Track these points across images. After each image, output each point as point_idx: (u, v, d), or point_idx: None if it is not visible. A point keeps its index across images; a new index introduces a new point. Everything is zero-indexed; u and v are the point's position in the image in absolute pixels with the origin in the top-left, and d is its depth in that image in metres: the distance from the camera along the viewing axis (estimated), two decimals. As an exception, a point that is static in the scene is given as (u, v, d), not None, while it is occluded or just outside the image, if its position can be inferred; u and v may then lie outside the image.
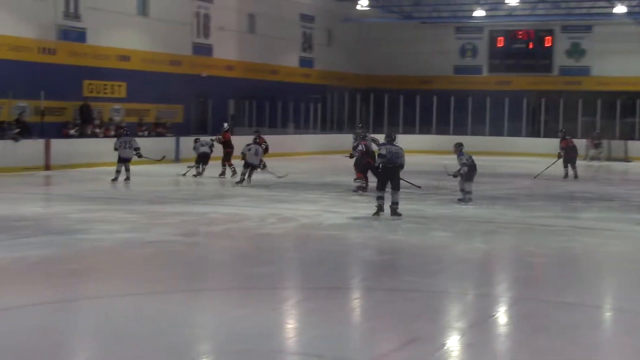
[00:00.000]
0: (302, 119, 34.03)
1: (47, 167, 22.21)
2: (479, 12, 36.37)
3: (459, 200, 16.04)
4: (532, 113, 37.81)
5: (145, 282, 8.84)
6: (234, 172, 21.00)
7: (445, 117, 36.50)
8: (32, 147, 21.98)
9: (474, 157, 16.17)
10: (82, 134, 24.51)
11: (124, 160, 19.52)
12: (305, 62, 37.20)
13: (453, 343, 6.78)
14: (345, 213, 14.46)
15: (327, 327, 7.05)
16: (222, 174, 21.30)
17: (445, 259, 10.58)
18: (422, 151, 34.76)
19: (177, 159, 25.59)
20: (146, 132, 26.64)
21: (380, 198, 13.93)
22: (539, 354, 6.43)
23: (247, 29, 33.27)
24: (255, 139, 20.53)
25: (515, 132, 35.86)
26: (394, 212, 13.72)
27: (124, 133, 20.96)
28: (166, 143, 25.89)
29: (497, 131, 35.47)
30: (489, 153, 31.27)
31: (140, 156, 19.84)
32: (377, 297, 8.38)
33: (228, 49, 31.90)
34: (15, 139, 21.77)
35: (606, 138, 32.70)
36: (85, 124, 24.87)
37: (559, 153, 22.68)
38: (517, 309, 7.97)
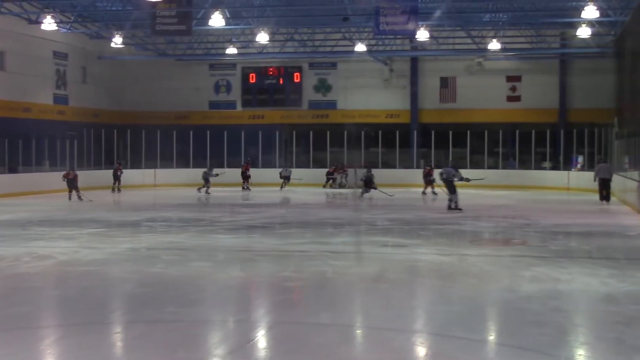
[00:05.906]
0: (58, 156, 32.74)
1: None
2: (231, 50, 36.85)
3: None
4: (284, 145, 38.88)
5: None
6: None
7: (202, 151, 36.73)
8: None
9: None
10: None
11: None
12: (59, 99, 35.95)
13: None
14: (104, 249, 14.10)
15: (88, 363, 6.83)
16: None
17: (205, 288, 10.59)
18: (179, 185, 34.69)
19: None
20: None
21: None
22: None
23: (-4, 65, 31.73)
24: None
25: (269, 164, 36.73)
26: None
27: None
28: None
29: (252, 163, 36.03)
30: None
31: None
32: (139, 329, 8.22)
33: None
34: None
35: (353, 167, 34.26)
36: None
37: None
38: (275, 332, 8.12)
